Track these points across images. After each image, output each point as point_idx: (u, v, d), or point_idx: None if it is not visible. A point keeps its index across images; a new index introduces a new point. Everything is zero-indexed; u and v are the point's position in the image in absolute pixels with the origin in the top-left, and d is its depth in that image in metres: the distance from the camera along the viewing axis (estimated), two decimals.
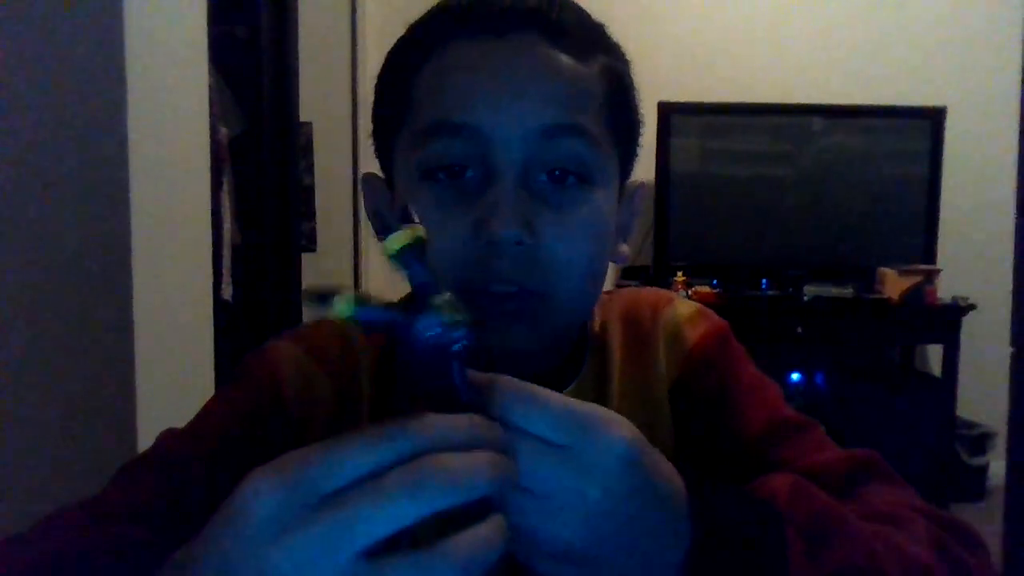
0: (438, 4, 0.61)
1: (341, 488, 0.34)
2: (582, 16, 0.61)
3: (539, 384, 0.60)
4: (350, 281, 3.05)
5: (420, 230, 0.38)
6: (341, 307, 0.35)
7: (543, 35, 0.57)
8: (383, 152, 0.63)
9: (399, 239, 0.37)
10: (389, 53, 0.63)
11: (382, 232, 0.38)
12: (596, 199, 0.57)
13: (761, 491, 0.47)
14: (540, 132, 0.55)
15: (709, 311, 0.69)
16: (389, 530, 0.33)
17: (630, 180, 0.65)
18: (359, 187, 0.69)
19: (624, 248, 0.65)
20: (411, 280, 0.38)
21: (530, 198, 0.55)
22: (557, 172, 0.56)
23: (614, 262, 0.63)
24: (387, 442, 0.34)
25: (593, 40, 0.60)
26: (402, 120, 0.59)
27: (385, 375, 0.64)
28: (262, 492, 0.34)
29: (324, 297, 0.35)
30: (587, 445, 0.39)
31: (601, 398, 0.64)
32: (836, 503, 0.48)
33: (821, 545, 0.44)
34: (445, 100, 0.56)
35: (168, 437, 0.59)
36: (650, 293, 0.70)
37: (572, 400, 0.40)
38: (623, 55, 0.63)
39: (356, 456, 0.34)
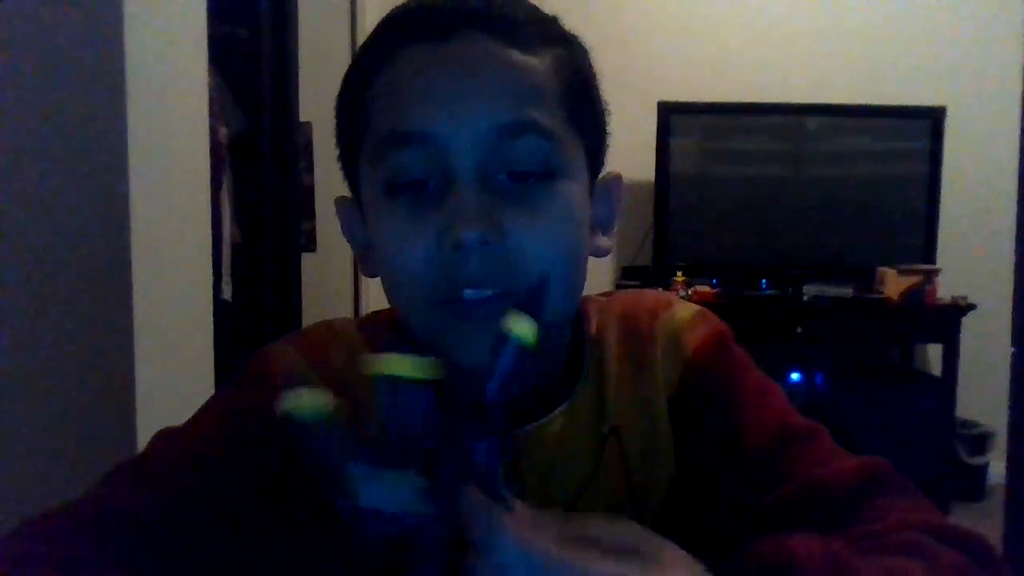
0: (386, 16, 0.60)
1: None
2: (530, 9, 0.60)
3: (539, 395, 0.60)
4: (350, 282, 3.05)
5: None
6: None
7: (488, 33, 0.56)
8: (349, 173, 0.63)
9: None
10: (345, 72, 0.63)
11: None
12: (562, 193, 0.56)
13: (781, 558, 0.45)
14: (494, 131, 0.54)
15: (710, 314, 0.67)
16: None
17: (604, 173, 0.64)
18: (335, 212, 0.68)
19: (605, 241, 0.63)
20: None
21: (493, 198, 0.54)
22: (517, 170, 0.55)
23: (595, 255, 0.62)
24: None
25: (544, 32, 0.59)
26: (361, 136, 0.59)
27: None
28: None
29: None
30: None
31: (598, 406, 0.63)
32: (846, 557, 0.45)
33: None
34: (396, 109, 0.56)
35: (162, 438, 0.59)
36: (649, 296, 0.69)
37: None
38: (580, 44, 0.62)
39: None
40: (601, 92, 0.62)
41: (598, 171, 0.63)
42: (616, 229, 0.65)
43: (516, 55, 0.56)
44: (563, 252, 0.56)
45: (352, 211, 0.64)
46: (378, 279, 0.61)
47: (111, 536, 0.49)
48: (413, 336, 0.58)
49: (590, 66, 0.62)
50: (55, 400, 1.25)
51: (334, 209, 0.67)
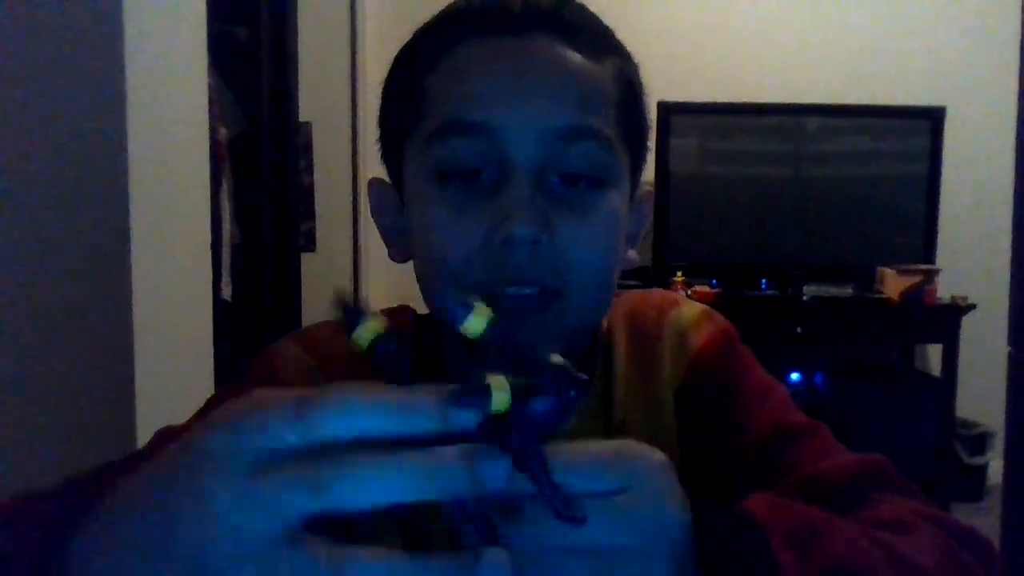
0: (447, 7, 0.61)
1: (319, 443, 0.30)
2: (594, 18, 0.61)
3: None
4: (350, 282, 3.05)
5: (381, 320, 0.33)
6: (361, 336, 0.32)
7: (557, 35, 0.57)
8: (392, 157, 0.63)
9: (367, 332, 0.33)
10: (397, 57, 0.62)
11: (351, 323, 0.33)
12: (609, 201, 0.57)
13: (738, 509, 0.45)
14: (555, 133, 0.54)
15: (715, 313, 0.68)
16: (355, 504, 0.30)
17: (640, 185, 0.64)
18: (367, 193, 0.67)
19: (632, 254, 0.64)
20: (386, 367, 0.33)
21: (545, 199, 0.54)
22: (570, 173, 0.55)
23: (622, 268, 0.62)
24: (398, 411, 0.30)
25: (605, 41, 0.60)
26: (414, 123, 0.58)
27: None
28: (229, 429, 0.31)
29: (351, 315, 0.32)
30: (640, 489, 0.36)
31: (606, 402, 0.63)
32: (818, 510, 0.46)
33: (808, 550, 0.42)
34: (459, 100, 0.56)
35: (165, 436, 0.59)
36: (655, 295, 0.70)
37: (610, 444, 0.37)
38: (633, 58, 0.63)
39: (354, 412, 0.30)
40: (648, 107, 0.63)
41: (636, 185, 0.63)
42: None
43: (582, 60, 0.57)
44: (605, 259, 0.57)
45: (388, 194, 0.63)
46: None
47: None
48: (447, 327, 0.58)
49: (640, 80, 0.63)
50: (55, 400, 1.25)
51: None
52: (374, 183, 0.65)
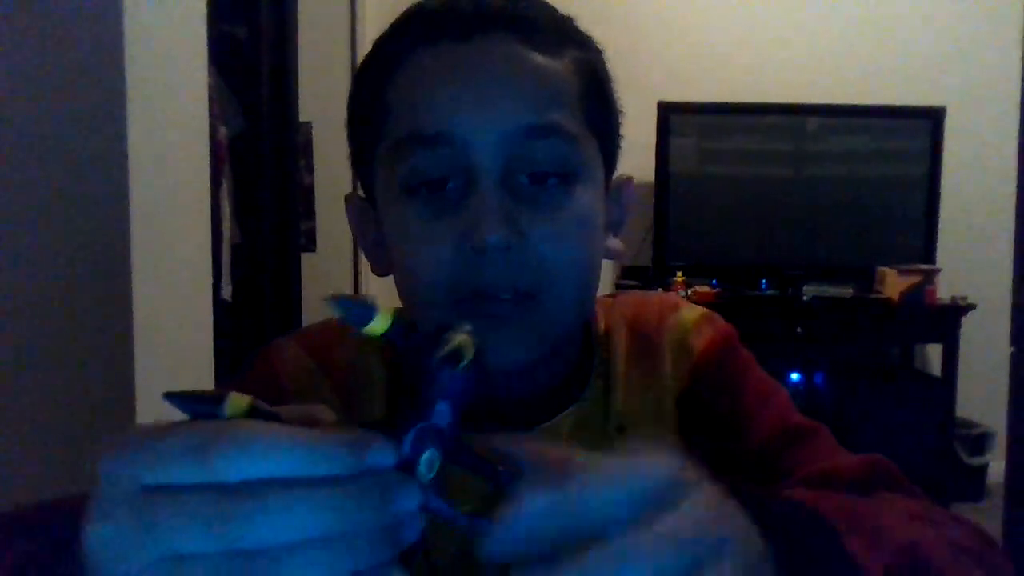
0: (403, 13, 0.60)
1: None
2: (549, 10, 0.60)
3: (547, 396, 0.60)
4: (350, 282, 3.05)
5: (390, 310, 0.33)
6: (378, 324, 0.32)
7: (511, 33, 0.56)
8: (362, 170, 0.62)
9: (381, 322, 0.33)
10: (359, 68, 0.62)
11: (361, 316, 0.33)
12: (580, 196, 0.56)
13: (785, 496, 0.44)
14: (517, 134, 0.54)
15: (716, 316, 0.68)
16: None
17: (617, 175, 0.64)
18: (344, 209, 0.67)
19: (616, 243, 0.64)
20: (405, 348, 0.33)
21: (513, 201, 0.54)
22: (538, 172, 0.55)
23: (606, 258, 0.62)
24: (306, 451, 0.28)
25: (563, 33, 0.59)
26: (378, 134, 0.58)
27: (397, 393, 0.62)
28: (104, 462, 0.30)
29: (360, 309, 0.32)
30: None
31: (605, 404, 0.63)
32: (857, 499, 0.46)
33: (867, 533, 0.42)
34: (417, 110, 0.55)
35: None
36: (656, 298, 0.69)
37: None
38: (595, 46, 0.62)
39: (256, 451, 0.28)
40: (615, 94, 0.62)
41: (612, 173, 0.63)
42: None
43: (538, 57, 0.56)
44: (580, 256, 0.56)
45: (363, 208, 0.63)
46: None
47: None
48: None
49: (605, 67, 0.62)
50: (55, 400, 1.25)
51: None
52: (349, 199, 0.64)
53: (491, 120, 0.54)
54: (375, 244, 0.63)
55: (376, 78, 0.59)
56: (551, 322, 0.56)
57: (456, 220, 0.53)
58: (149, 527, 0.28)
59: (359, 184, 0.64)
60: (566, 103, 0.56)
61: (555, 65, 0.57)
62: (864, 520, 0.43)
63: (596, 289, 0.61)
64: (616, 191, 0.64)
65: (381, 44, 0.60)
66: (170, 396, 0.30)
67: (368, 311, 0.32)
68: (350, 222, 0.65)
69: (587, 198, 0.57)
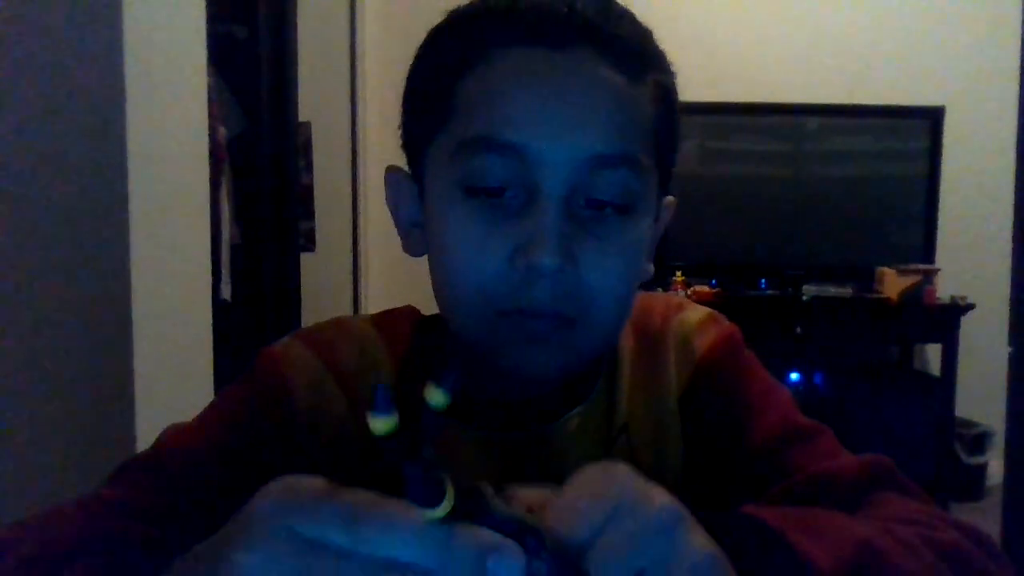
0: (484, 4, 0.57)
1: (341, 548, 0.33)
2: (635, 25, 0.58)
3: (554, 396, 0.61)
4: (349, 281, 3.05)
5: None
6: (379, 425, 0.32)
7: (599, 51, 0.54)
8: (414, 152, 0.61)
9: (386, 424, 0.32)
10: (425, 47, 0.60)
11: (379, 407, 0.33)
12: (633, 228, 0.56)
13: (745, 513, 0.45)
14: (589, 161, 0.53)
15: (720, 316, 0.67)
16: None
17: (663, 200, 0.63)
18: (383, 181, 0.66)
19: (649, 267, 0.63)
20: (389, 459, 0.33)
21: (571, 225, 0.53)
22: (597, 198, 0.54)
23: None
24: (418, 539, 0.32)
25: (645, 54, 0.58)
26: (441, 125, 0.57)
27: (406, 396, 0.62)
28: (265, 503, 0.35)
29: (429, 489, 0.32)
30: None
31: (609, 404, 0.63)
32: (815, 509, 0.47)
33: (814, 532, 0.43)
34: (492, 115, 0.53)
35: (172, 434, 0.58)
36: (660, 300, 0.69)
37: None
38: (671, 67, 0.61)
39: (377, 531, 0.33)
40: (680, 122, 0.62)
41: (663, 197, 0.62)
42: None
43: (624, 84, 0.55)
44: (623, 285, 0.56)
45: (407, 185, 0.62)
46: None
47: (124, 530, 0.49)
48: (461, 337, 0.58)
49: (676, 92, 0.61)
50: (55, 400, 1.25)
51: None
52: (391, 170, 0.63)
53: (567, 143, 0.53)
54: (412, 224, 0.62)
55: (447, 67, 0.56)
56: (587, 346, 0.57)
57: (513, 232, 0.53)
58: (305, 571, 0.33)
59: (408, 161, 0.62)
60: (641, 134, 0.56)
61: (637, 93, 0.56)
62: (814, 521, 0.44)
63: (628, 316, 0.60)
64: (661, 214, 0.63)
65: (455, 29, 0.58)
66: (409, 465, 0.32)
67: (438, 493, 0.32)
68: (387, 195, 0.64)
69: (639, 230, 0.57)
